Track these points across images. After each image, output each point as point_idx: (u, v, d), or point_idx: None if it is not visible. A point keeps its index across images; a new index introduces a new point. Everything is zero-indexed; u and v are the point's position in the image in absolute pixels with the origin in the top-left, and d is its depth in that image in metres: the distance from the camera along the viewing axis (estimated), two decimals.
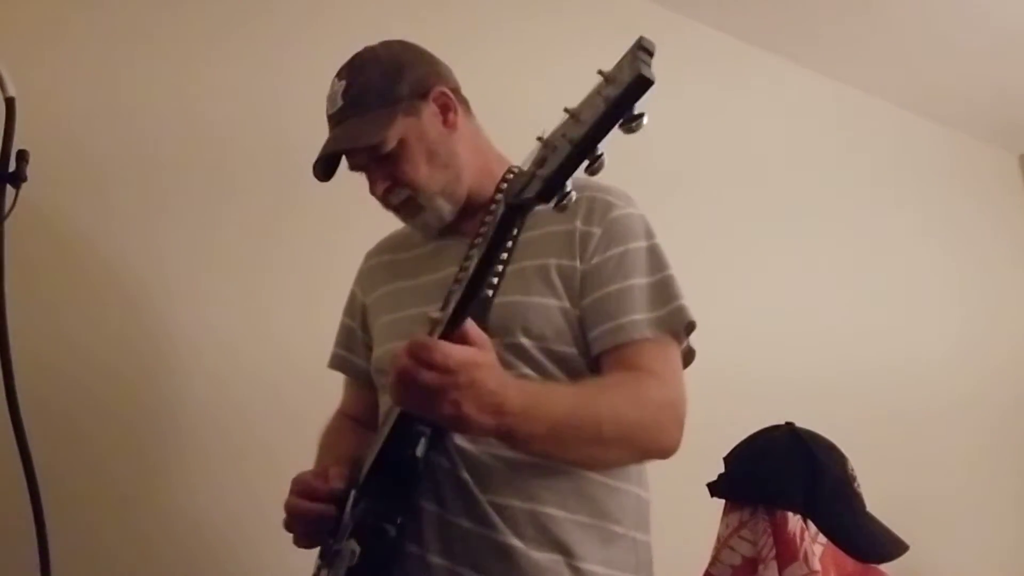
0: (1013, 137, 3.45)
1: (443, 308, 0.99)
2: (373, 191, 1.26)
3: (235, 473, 1.71)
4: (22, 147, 1.23)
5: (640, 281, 1.18)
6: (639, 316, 1.16)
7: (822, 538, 1.40)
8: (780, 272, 2.60)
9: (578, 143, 0.74)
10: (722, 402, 2.22)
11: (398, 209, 1.27)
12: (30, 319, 1.43)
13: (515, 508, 1.12)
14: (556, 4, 2.47)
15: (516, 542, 1.10)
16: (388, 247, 1.41)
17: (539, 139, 0.82)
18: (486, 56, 1.61)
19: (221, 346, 1.77)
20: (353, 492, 1.14)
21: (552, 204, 0.78)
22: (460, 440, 1.12)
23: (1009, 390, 3.05)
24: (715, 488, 1.52)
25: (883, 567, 1.47)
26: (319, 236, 1.92)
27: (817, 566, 1.35)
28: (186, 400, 1.72)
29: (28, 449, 1.20)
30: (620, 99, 0.71)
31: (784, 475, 1.43)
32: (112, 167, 1.76)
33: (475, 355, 0.94)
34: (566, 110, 0.78)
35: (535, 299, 1.16)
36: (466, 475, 1.12)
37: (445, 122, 1.26)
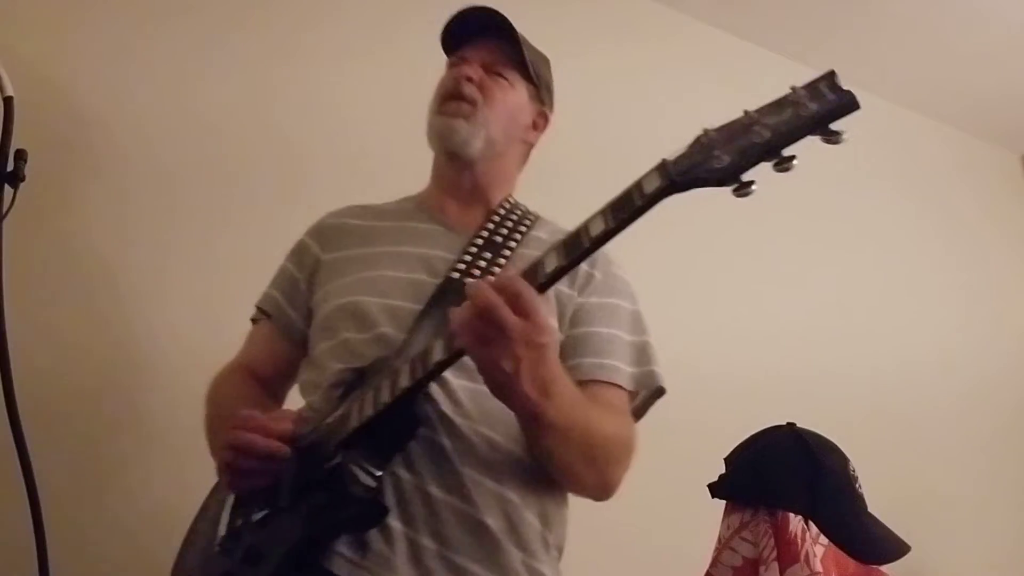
0: (1015, 137, 3.44)
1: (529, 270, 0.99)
2: (461, 71, 1.33)
3: None
4: (20, 147, 1.23)
5: (624, 336, 1.25)
6: (622, 365, 1.22)
7: (823, 539, 1.39)
8: (780, 271, 2.59)
9: (771, 141, 0.87)
10: (723, 402, 2.22)
11: (456, 98, 1.31)
12: (28, 318, 1.42)
13: (487, 488, 1.11)
14: (557, 2, 2.46)
15: (490, 521, 1.09)
16: (356, 214, 1.39)
17: (706, 131, 0.93)
18: None
19: (223, 347, 1.77)
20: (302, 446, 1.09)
21: (731, 188, 0.88)
22: (446, 408, 1.10)
23: (1010, 390, 3.04)
24: (716, 489, 1.51)
25: (885, 568, 1.46)
26: None
27: (819, 567, 1.34)
28: (187, 402, 1.71)
29: (26, 447, 1.20)
30: (826, 114, 0.87)
31: (785, 476, 1.42)
32: (110, 167, 1.76)
33: (551, 326, 0.96)
34: (746, 112, 0.91)
35: None
36: (446, 442, 1.10)
37: (531, 126, 1.40)
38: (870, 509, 1.46)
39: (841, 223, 2.83)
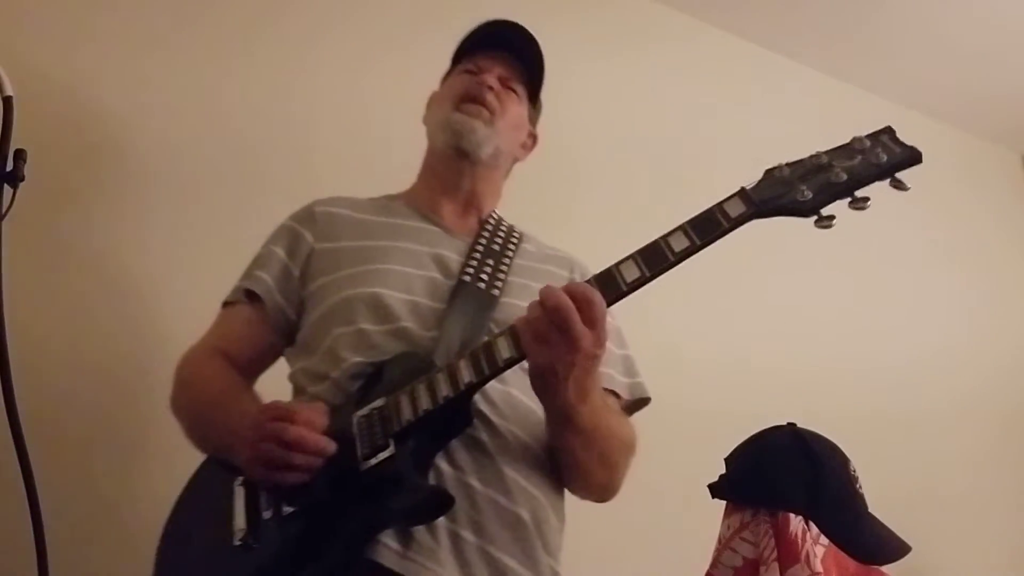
0: (1016, 136, 3.44)
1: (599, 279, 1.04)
2: (484, 79, 1.37)
3: None
4: (20, 146, 1.23)
5: (614, 349, 1.28)
6: (616, 375, 1.29)
7: (824, 539, 1.39)
8: (781, 271, 2.59)
9: (848, 182, 1.02)
10: (723, 403, 2.21)
11: (478, 101, 1.35)
12: (28, 319, 1.42)
13: (521, 484, 1.14)
14: (559, 6, 2.46)
15: (524, 515, 1.12)
16: (348, 205, 1.37)
17: (779, 166, 1.06)
18: None
19: None
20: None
21: (812, 220, 1.03)
22: (482, 406, 1.13)
23: (1012, 390, 3.04)
24: (716, 489, 1.51)
25: (885, 569, 1.46)
26: None
27: (819, 568, 1.34)
28: None
29: (25, 449, 1.19)
30: (896, 165, 1.02)
31: (786, 476, 1.42)
32: (110, 166, 1.76)
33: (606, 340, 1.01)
34: (817, 153, 1.06)
35: None
36: (485, 437, 1.13)
37: (523, 144, 1.47)
38: (871, 509, 1.46)
39: (842, 223, 2.83)
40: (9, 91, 1.24)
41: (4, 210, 1.21)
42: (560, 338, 0.98)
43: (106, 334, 1.68)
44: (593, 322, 0.98)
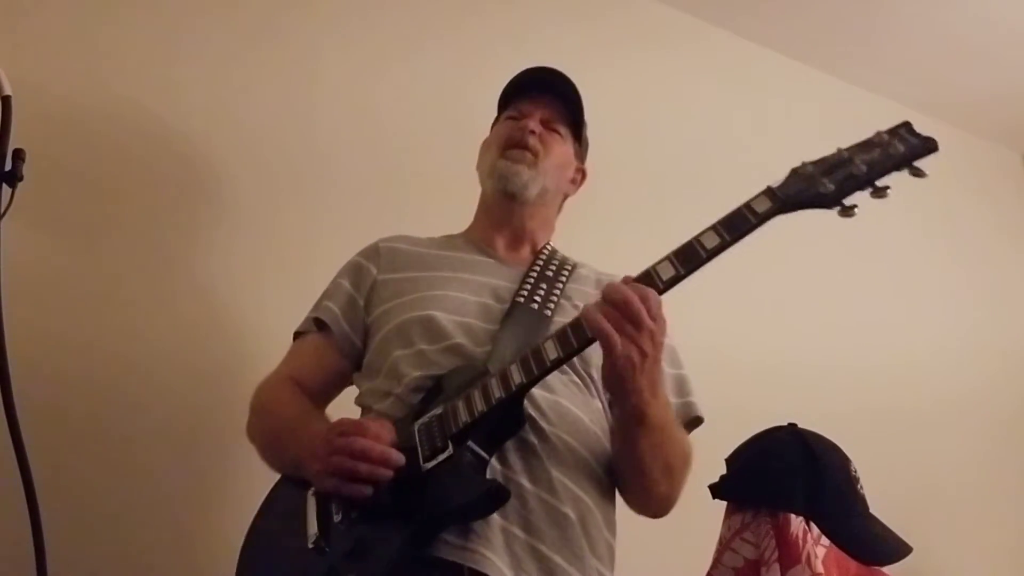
0: (1016, 136, 3.43)
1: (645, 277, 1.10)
2: (526, 124, 1.44)
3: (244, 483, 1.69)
4: (18, 146, 1.22)
5: (666, 368, 1.30)
6: (668, 394, 1.28)
7: (825, 540, 1.39)
8: (782, 270, 2.58)
9: (868, 174, 1.07)
10: (723, 403, 2.21)
11: (520, 147, 1.42)
12: (25, 319, 1.42)
13: (568, 486, 1.18)
14: (568, 12, 2.46)
15: (571, 514, 1.17)
16: (407, 241, 1.47)
17: (803, 164, 1.10)
18: (500, 62, 1.63)
19: (223, 348, 1.76)
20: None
21: (836, 210, 1.07)
22: (532, 412, 1.18)
23: (1012, 389, 3.04)
24: (717, 490, 1.51)
25: (886, 569, 1.46)
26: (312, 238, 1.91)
27: (820, 569, 1.34)
28: (187, 403, 1.71)
29: (24, 449, 1.19)
30: (912, 154, 1.07)
31: (787, 477, 1.42)
32: (108, 166, 1.75)
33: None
34: (839, 149, 1.10)
35: None
36: (534, 440, 1.18)
37: (571, 180, 1.53)
38: (872, 510, 1.46)
39: (841, 222, 2.82)
40: (8, 91, 1.24)
41: (2, 210, 1.20)
42: (629, 327, 1.04)
43: (105, 334, 1.68)
44: (653, 314, 1.05)
